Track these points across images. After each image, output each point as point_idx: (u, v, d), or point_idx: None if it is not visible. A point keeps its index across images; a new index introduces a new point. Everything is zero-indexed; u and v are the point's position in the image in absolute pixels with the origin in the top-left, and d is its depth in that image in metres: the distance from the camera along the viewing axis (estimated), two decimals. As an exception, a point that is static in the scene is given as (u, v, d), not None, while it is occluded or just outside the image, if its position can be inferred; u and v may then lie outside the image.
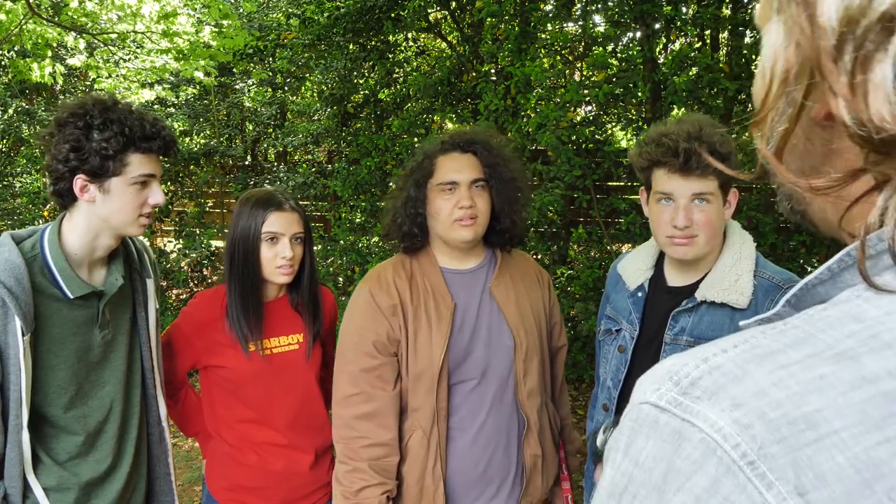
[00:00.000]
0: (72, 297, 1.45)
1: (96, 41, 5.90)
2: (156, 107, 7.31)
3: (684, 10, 4.08)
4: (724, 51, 4.42)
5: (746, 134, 0.46)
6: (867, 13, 0.35)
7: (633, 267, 1.64)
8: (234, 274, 1.73)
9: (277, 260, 1.71)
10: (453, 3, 5.44)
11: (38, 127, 7.08)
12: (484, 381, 1.63)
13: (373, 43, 5.65)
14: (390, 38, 5.74)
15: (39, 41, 5.30)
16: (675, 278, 1.57)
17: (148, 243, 1.75)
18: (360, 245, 5.31)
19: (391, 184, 5.18)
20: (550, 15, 4.66)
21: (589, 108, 4.70)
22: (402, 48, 6.47)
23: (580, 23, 4.78)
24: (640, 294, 1.61)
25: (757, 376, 0.38)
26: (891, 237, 0.38)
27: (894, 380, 0.36)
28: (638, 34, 4.31)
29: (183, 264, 6.52)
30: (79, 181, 1.43)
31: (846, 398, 0.36)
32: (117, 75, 6.59)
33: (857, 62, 0.36)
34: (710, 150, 1.37)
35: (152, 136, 1.46)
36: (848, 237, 0.45)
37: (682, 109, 3.80)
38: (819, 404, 0.36)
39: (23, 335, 1.35)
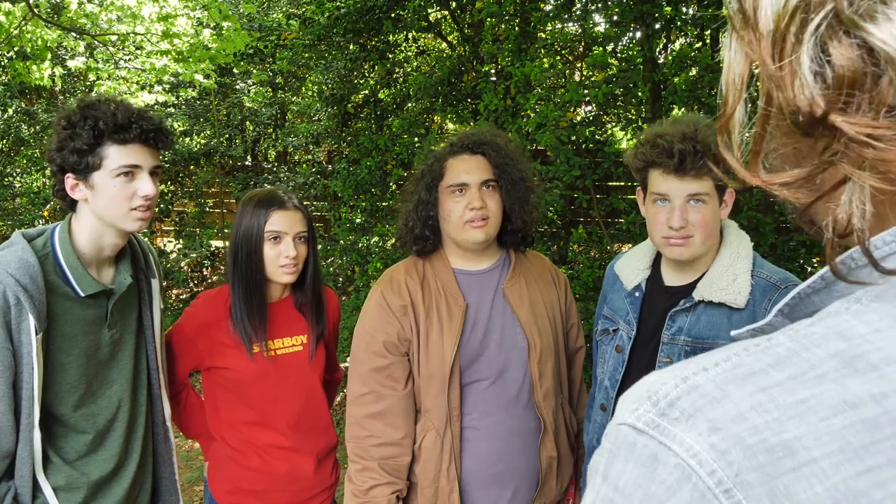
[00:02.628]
0: (83, 294, 1.46)
1: (96, 42, 5.89)
2: (156, 108, 7.31)
3: (684, 10, 4.08)
4: (724, 51, 4.41)
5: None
6: (786, 7, 0.38)
7: (631, 267, 1.64)
8: (238, 274, 1.73)
9: (281, 259, 1.70)
10: (453, 3, 5.44)
11: (38, 127, 7.08)
12: (499, 381, 1.63)
13: (373, 43, 5.64)
14: (390, 38, 5.73)
15: (39, 43, 5.29)
16: (672, 278, 1.57)
17: (147, 243, 1.75)
18: (360, 245, 5.30)
19: (391, 184, 5.17)
20: (550, 15, 4.65)
21: (589, 108, 4.70)
22: (402, 48, 6.46)
23: (580, 23, 4.78)
24: (637, 294, 1.61)
25: (736, 398, 0.37)
26: None
27: (878, 405, 0.34)
28: (638, 34, 4.31)
29: (183, 264, 6.52)
30: (69, 180, 1.45)
31: (826, 424, 0.34)
32: (117, 77, 6.58)
33: (783, 53, 0.38)
34: (706, 151, 1.37)
35: (125, 125, 1.42)
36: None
37: (683, 109, 3.80)
38: (798, 431, 0.34)
39: (36, 333, 1.36)
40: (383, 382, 1.60)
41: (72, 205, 1.50)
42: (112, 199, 1.45)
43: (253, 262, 1.71)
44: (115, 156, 1.43)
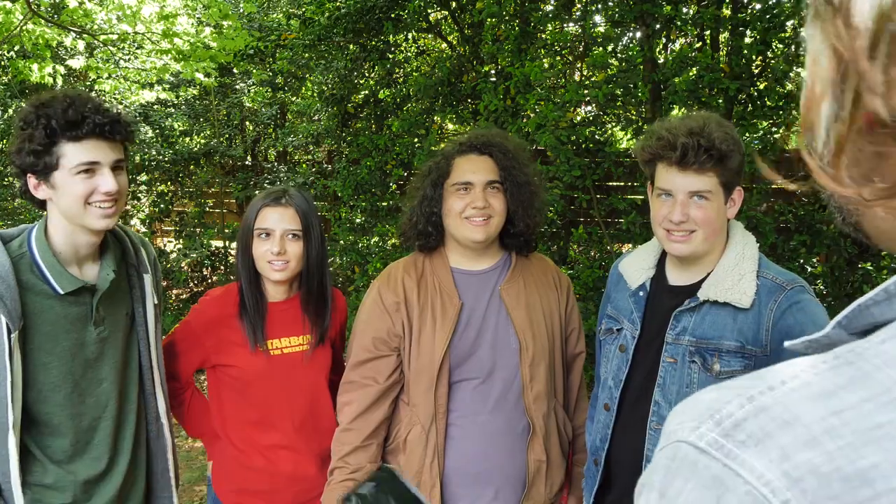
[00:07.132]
0: (62, 292, 1.44)
1: (96, 42, 5.89)
2: (156, 107, 7.31)
3: (684, 10, 4.08)
4: (725, 51, 4.42)
5: (781, 138, 0.44)
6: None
7: (635, 266, 1.64)
8: (238, 270, 1.77)
9: (268, 255, 1.70)
10: (453, 4, 5.44)
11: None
12: (488, 381, 1.64)
13: (373, 43, 5.64)
14: (390, 38, 5.73)
15: (39, 42, 5.29)
16: (676, 277, 1.56)
17: (141, 237, 1.75)
18: (360, 245, 5.30)
19: (391, 184, 5.17)
20: (550, 15, 4.65)
21: (589, 108, 4.70)
22: (403, 48, 6.46)
23: (580, 23, 4.78)
24: (641, 293, 1.60)
25: (808, 422, 0.35)
26: None
27: None
28: (638, 34, 4.32)
29: (183, 264, 6.52)
30: (31, 181, 1.43)
31: None
32: (117, 76, 6.58)
33: (891, 57, 0.35)
34: (709, 146, 1.36)
35: (76, 121, 1.37)
36: None
37: (683, 109, 3.80)
38: (876, 458, 0.33)
39: (9, 333, 1.34)
40: (365, 374, 1.66)
41: (41, 205, 1.48)
42: (73, 198, 1.40)
43: (247, 258, 1.74)
44: (72, 154, 1.38)
